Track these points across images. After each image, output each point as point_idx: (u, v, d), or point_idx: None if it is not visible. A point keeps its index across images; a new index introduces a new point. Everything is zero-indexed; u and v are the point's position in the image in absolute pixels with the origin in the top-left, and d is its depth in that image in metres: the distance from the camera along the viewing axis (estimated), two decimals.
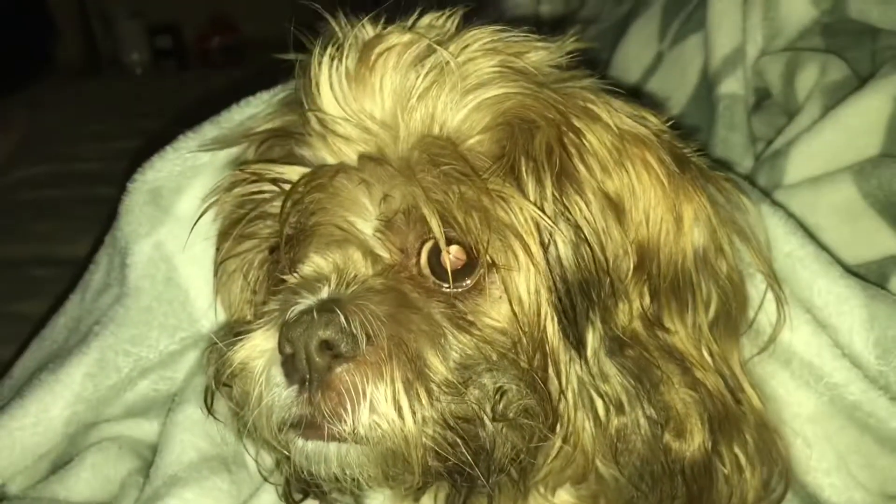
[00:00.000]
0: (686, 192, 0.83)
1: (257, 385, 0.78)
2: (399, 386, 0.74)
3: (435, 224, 0.76)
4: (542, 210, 0.77)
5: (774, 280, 0.89)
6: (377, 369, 0.74)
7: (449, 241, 0.78)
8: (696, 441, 0.81)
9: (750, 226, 0.90)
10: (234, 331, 0.84)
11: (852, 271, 0.95)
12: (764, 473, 0.85)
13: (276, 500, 0.95)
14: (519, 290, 0.78)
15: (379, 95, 0.82)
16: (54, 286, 1.70)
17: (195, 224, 0.92)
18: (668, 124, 0.87)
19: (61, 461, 1.02)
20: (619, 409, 0.80)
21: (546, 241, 0.77)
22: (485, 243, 0.77)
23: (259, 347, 0.79)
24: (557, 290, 0.78)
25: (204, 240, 1.00)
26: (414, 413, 0.74)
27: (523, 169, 0.78)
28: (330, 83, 0.82)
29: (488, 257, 0.78)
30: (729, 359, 0.85)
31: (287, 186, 0.81)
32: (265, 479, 0.94)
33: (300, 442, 0.78)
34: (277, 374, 0.77)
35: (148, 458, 1.01)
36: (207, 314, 1.00)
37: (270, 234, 0.87)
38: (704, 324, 0.84)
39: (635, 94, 0.91)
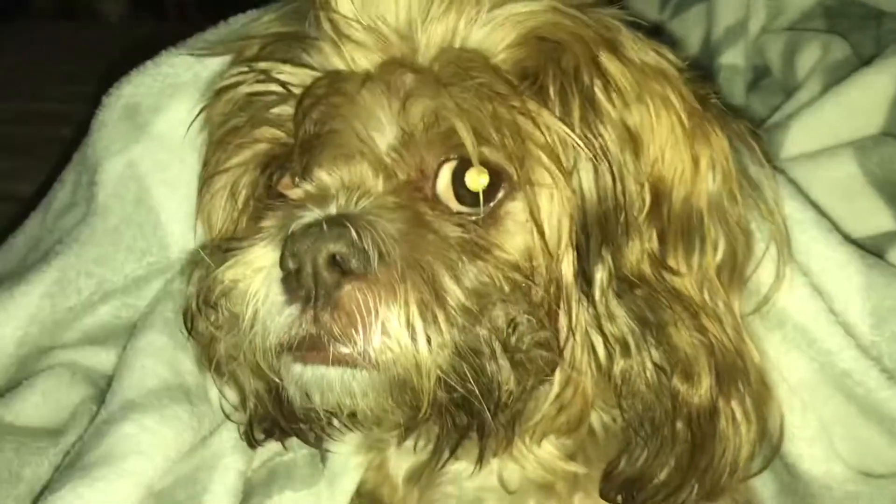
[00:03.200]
0: (705, 133, 0.81)
1: (252, 303, 0.72)
2: (413, 308, 0.69)
3: (469, 139, 0.72)
4: (570, 132, 0.74)
5: (781, 237, 0.87)
6: (390, 289, 0.69)
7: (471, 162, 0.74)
8: (703, 386, 0.78)
9: (761, 177, 0.88)
10: (220, 248, 0.78)
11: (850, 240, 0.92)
12: (757, 432, 0.82)
13: (237, 438, 0.90)
14: (543, 216, 0.75)
15: (398, 1, 0.77)
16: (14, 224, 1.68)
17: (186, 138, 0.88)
18: (686, 64, 0.85)
19: (9, 385, 0.96)
20: (625, 350, 0.77)
21: (573, 165, 0.74)
22: (516, 162, 0.73)
23: (256, 263, 0.73)
24: (577, 222, 0.75)
25: (180, 162, 0.95)
26: (429, 338, 0.69)
27: (551, 89, 0.75)
28: None
29: (517, 180, 0.74)
30: (733, 308, 0.83)
31: (298, 91, 0.76)
32: (227, 417, 0.90)
33: (298, 367, 0.73)
34: (277, 292, 0.71)
35: (103, 387, 0.95)
36: (178, 240, 0.95)
37: (268, 145, 0.81)
38: (712, 269, 0.81)
39: (656, 32, 0.88)
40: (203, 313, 0.79)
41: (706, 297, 0.81)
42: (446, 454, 0.82)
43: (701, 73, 0.88)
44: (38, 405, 0.93)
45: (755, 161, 0.89)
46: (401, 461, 0.93)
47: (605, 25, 0.81)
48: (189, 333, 0.83)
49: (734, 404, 0.81)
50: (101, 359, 0.97)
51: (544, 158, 0.74)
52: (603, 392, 0.80)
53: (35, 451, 0.89)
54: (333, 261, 0.69)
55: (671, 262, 0.80)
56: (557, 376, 0.79)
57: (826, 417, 0.88)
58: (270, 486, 0.90)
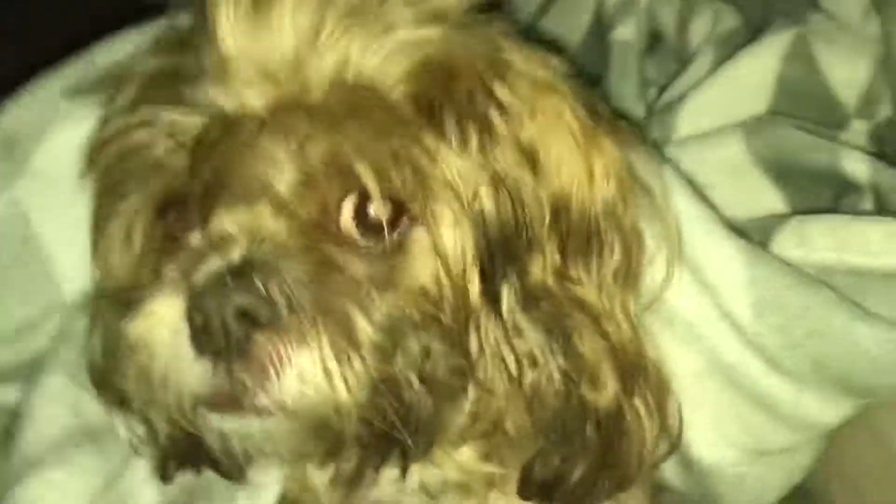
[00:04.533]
0: (597, 142, 0.82)
1: (161, 359, 0.71)
2: (327, 352, 0.69)
3: (370, 178, 0.72)
4: (469, 163, 0.75)
5: (671, 236, 0.89)
6: (301, 336, 0.69)
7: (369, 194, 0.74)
8: (609, 389, 0.81)
9: (650, 177, 0.90)
10: (120, 298, 0.77)
11: (737, 230, 0.95)
12: (658, 426, 0.86)
13: (149, 470, 0.90)
14: (446, 247, 0.75)
15: (285, 34, 0.75)
16: None
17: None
18: (572, 71, 0.85)
19: None
20: (533, 363, 0.79)
21: (472, 195, 0.75)
22: (417, 198, 0.74)
23: (160, 316, 0.71)
24: (481, 247, 0.76)
25: (66, 197, 0.91)
26: (345, 379, 0.70)
27: (447, 120, 0.75)
28: (227, 16, 0.75)
29: (418, 212, 0.75)
30: (629, 310, 0.86)
31: (186, 137, 0.74)
32: (136, 452, 0.89)
33: (216, 419, 0.73)
34: (186, 346, 0.70)
35: (7, 425, 0.94)
36: (71, 279, 0.93)
37: (161, 190, 0.79)
38: (609, 275, 0.84)
39: (529, 35, 0.88)
40: (111, 366, 0.78)
41: (605, 301, 0.84)
42: (368, 474, 0.84)
43: (584, 77, 0.89)
44: None
45: (643, 161, 0.91)
46: (321, 471, 0.94)
47: (494, 46, 0.81)
48: (99, 387, 0.82)
49: (637, 401, 0.85)
50: (4, 396, 0.96)
51: (444, 193, 0.75)
52: (515, 400, 0.83)
53: None
54: (242, 313, 0.69)
55: (572, 272, 0.82)
56: (470, 392, 0.81)
57: (717, 406, 0.92)
58: None
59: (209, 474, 0.92)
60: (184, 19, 0.88)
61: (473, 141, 0.76)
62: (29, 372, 0.94)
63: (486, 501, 0.92)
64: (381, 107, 0.74)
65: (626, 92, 1.23)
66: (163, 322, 0.72)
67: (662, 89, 1.25)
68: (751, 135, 1.06)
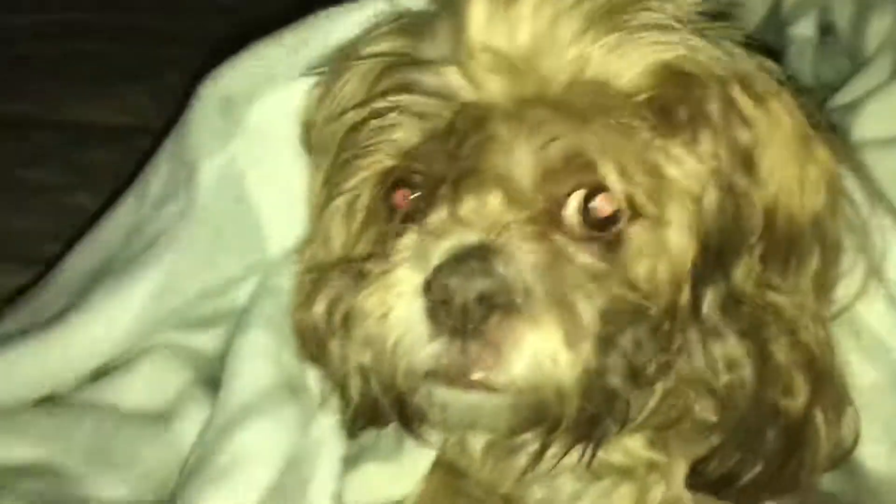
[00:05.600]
0: (813, 151, 0.84)
1: (396, 330, 0.76)
2: (556, 337, 0.73)
3: (614, 176, 0.75)
4: (699, 166, 0.78)
5: (870, 250, 0.90)
6: (533, 320, 0.73)
7: (603, 189, 0.77)
8: (801, 398, 0.83)
9: (855, 189, 0.91)
10: (348, 269, 0.81)
11: None
12: (834, 437, 0.88)
13: (335, 424, 0.94)
14: (671, 245, 0.79)
15: (529, 27, 0.78)
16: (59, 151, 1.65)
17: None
18: (788, 78, 0.87)
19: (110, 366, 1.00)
20: (729, 366, 0.82)
21: (700, 197, 0.78)
22: (653, 197, 0.77)
23: (397, 288, 0.76)
24: (700, 248, 0.79)
25: (276, 156, 0.96)
26: (570, 364, 0.74)
27: (683, 123, 0.78)
28: (480, 8, 0.78)
29: (649, 211, 0.78)
30: (825, 320, 0.87)
31: (430, 122, 0.78)
32: (325, 408, 0.94)
33: (443, 391, 0.77)
34: (422, 320, 0.75)
35: (203, 370, 0.99)
36: (278, 238, 0.97)
37: (392, 168, 0.82)
38: (807, 284, 0.85)
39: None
40: (334, 333, 0.83)
41: (802, 311, 0.85)
42: (552, 461, 0.87)
43: (799, 84, 0.89)
44: (141, 388, 0.97)
45: (849, 170, 0.92)
46: (481, 436, 0.98)
47: (731, 55, 0.82)
48: (318, 352, 0.87)
49: (819, 411, 0.86)
50: (201, 341, 1.01)
51: (680, 195, 0.78)
52: (703, 398, 0.85)
53: (150, 435, 0.95)
54: (482, 296, 0.73)
55: (771, 279, 0.84)
56: (660, 386, 0.84)
57: (891, 418, 0.93)
58: (357, 459, 0.96)
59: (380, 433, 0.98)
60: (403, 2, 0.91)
61: (706, 144, 0.79)
62: (227, 322, 0.99)
63: (645, 486, 0.95)
64: (622, 106, 0.77)
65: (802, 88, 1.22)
66: (398, 293, 0.76)
67: (831, 88, 1.24)
68: None
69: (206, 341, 1.00)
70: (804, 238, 0.85)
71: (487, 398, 0.77)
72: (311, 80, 0.94)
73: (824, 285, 0.88)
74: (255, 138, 0.95)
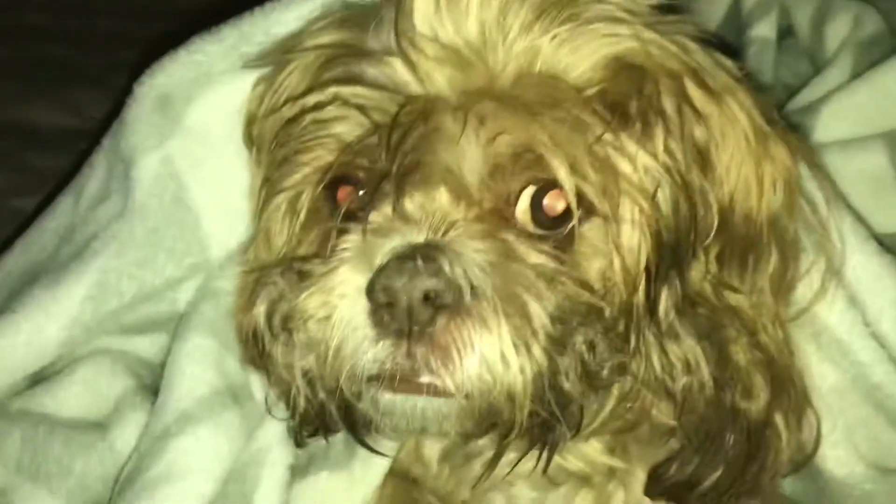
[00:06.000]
0: (770, 149, 0.82)
1: (339, 332, 0.72)
2: (507, 338, 0.71)
3: (566, 176, 0.72)
4: (653, 161, 0.75)
5: (830, 251, 0.88)
6: (482, 321, 0.70)
7: (554, 186, 0.75)
8: (761, 400, 0.82)
9: (814, 190, 0.89)
10: (290, 268, 0.78)
11: (885, 247, 0.94)
12: (794, 440, 0.86)
13: (282, 431, 0.91)
14: (624, 243, 0.76)
15: (477, 18, 0.76)
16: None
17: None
18: (746, 75, 0.86)
19: (48, 372, 0.96)
20: (687, 368, 0.80)
21: (654, 193, 0.76)
22: (605, 193, 0.74)
23: (340, 289, 0.73)
24: (653, 247, 0.77)
25: (217, 156, 0.93)
26: (521, 367, 0.71)
27: (635, 117, 0.76)
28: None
29: (600, 207, 0.75)
30: (783, 321, 0.86)
31: (376, 116, 0.74)
32: (270, 414, 0.90)
33: (388, 396, 0.74)
34: (366, 323, 0.72)
35: (143, 376, 0.95)
36: (219, 239, 0.93)
37: (335, 164, 0.79)
38: (764, 284, 0.83)
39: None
40: (275, 336, 0.79)
41: (760, 312, 0.84)
42: (507, 468, 0.84)
43: (756, 83, 0.88)
44: (79, 395, 0.93)
45: (807, 172, 0.90)
46: (436, 443, 0.95)
47: (685, 49, 0.80)
48: (260, 356, 0.83)
49: (781, 413, 0.85)
50: (141, 346, 0.97)
51: (632, 192, 0.75)
52: (660, 401, 0.83)
53: (83, 444, 0.90)
54: (427, 295, 0.70)
55: (728, 279, 0.82)
56: (616, 389, 0.82)
57: (851, 422, 0.91)
58: (307, 468, 0.92)
59: (331, 440, 0.94)
60: None
61: (659, 139, 0.76)
62: (168, 326, 0.95)
63: (605, 493, 0.92)
64: (573, 100, 0.74)
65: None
66: (341, 294, 0.73)
67: (790, 90, 1.23)
68: (894, 147, 1.04)
69: (147, 346, 0.96)
70: (761, 238, 0.83)
71: (435, 403, 0.74)
72: (253, 75, 0.91)
73: (783, 286, 0.86)
74: (194, 137, 0.92)
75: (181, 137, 0.92)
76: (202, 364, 0.88)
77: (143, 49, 0.96)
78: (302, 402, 0.86)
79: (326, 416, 0.85)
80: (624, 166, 0.75)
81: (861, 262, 0.90)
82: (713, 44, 0.85)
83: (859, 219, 0.95)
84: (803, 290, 0.89)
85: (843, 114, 1.10)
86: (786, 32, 1.32)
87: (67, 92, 1.87)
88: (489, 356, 0.71)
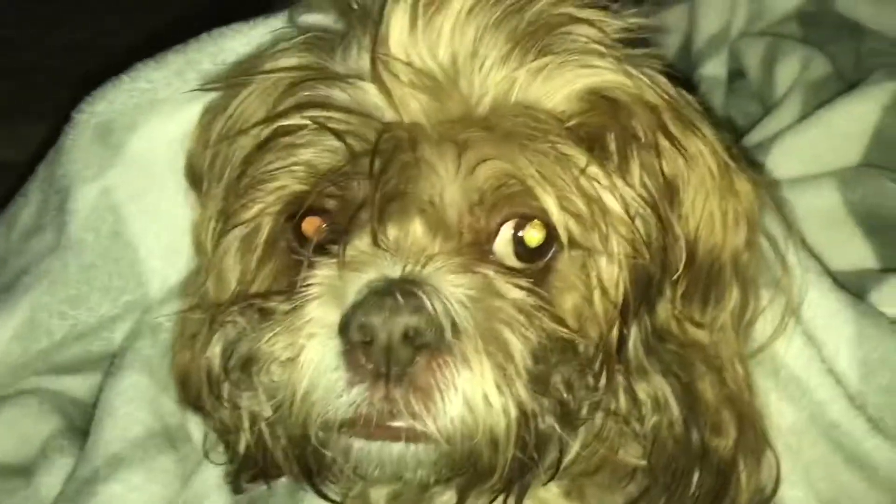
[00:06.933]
0: (735, 185, 0.81)
1: (307, 376, 0.67)
2: (489, 378, 0.67)
3: (553, 205, 0.70)
4: (630, 193, 0.74)
5: (789, 287, 0.87)
6: (464, 361, 0.66)
7: (532, 218, 0.72)
8: (730, 437, 0.80)
9: (773, 226, 0.88)
10: (250, 305, 0.73)
11: (840, 284, 0.93)
12: (755, 479, 0.84)
13: (219, 476, 0.86)
14: (603, 277, 0.74)
15: (451, 43, 0.73)
16: None
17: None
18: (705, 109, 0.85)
19: None
20: (656, 406, 0.77)
21: (632, 226, 0.74)
22: (589, 226, 0.72)
23: (307, 330, 0.68)
24: (631, 280, 0.74)
25: (159, 188, 0.89)
26: (505, 407, 0.67)
27: (614, 151, 0.75)
28: (399, 22, 0.73)
29: (582, 240, 0.73)
30: (745, 358, 0.84)
31: (353, 143, 0.70)
32: (208, 458, 0.86)
33: (361, 443, 0.69)
34: (338, 365, 0.66)
35: (73, 416, 0.91)
36: (158, 276, 0.89)
37: (298, 190, 0.74)
38: (727, 321, 0.82)
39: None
40: (228, 379, 0.74)
41: (722, 348, 0.82)
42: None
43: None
44: (2, 438, 0.88)
45: (769, 206, 0.89)
46: (383, 487, 0.91)
47: (655, 82, 0.79)
48: (211, 397, 0.78)
49: (741, 453, 0.83)
50: (72, 385, 0.92)
51: (614, 225, 0.73)
52: (626, 444, 0.80)
53: (6, 491, 0.85)
54: (406, 334, 0.65)
55: (693, 315, 0.81)
56: (584, 429, 0.78)
57: (808, 461, 0.89)
58: None
59: (273, 486, 0.89)
60: (302, 18, 0.86)
61: (636, 172, 0.75)
62: (102, 365, 0.90)
63: None
64: (554, 131, 0.72)
65: None
66: (312, 335, 0.68)
67: (740, 132, 1.24)
68: (847, 185, 1.04)
69: (79, 385, 0.92)
70: (724, 273, 0.82)
71: (413, 449, 0.69)
72: (200, 103, 0.88)
73: (743, 322, 0.85)
74: (135, 167, 0.89)
75: (122, 167, 0.89)
76: (136, 403, 0.84)
77: (88, 84, 0.91)
78: (244, 447, 0.81)
79: (270, 462, 0.81)
80: (608, 199, 0.73)
81: (817, 298, 0.89)
82: (677, 78, 0.84)
83: (816, 256, 0.94)
84: (762, 327, 0.88)
85: (794, 152, 1.10)
86: (735, 75, 1.33)
87: (6, 121, 1.84)
88: (472, 397, 0.66)
